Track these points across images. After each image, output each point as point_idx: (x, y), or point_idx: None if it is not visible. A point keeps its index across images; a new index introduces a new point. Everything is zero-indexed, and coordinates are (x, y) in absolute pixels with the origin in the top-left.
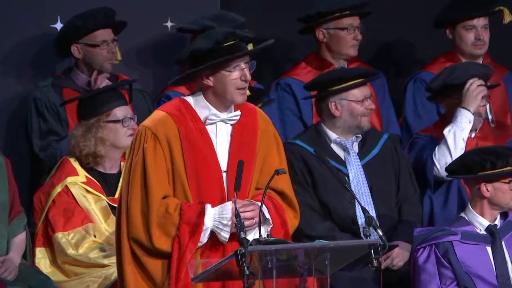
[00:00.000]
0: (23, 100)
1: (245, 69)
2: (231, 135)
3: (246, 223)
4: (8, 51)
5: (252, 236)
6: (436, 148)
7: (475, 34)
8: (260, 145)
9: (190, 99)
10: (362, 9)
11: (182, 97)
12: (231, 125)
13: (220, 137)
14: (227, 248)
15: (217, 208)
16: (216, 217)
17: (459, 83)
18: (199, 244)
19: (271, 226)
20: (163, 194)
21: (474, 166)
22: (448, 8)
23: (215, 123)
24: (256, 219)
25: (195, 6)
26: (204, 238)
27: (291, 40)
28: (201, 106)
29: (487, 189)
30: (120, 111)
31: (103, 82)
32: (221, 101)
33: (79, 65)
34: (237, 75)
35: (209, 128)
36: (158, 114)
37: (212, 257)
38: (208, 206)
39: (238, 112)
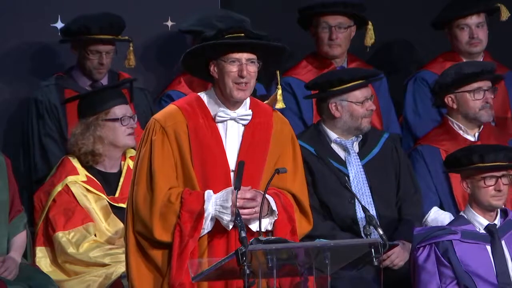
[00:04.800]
0: (24, 99)
1: (244, 65)
2: (243, 135)
3: (245, 212)
4: (8, 50)
5: (255, 226)
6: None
7: (469, 33)
8: (273, 147)
9: (204, 96)
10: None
11: (197, 93)
12: (244, 125)
13: (230, 136)
14: (231, 236)
15: (218, 194)
16: (217, 202)
17: (471, 72)
18: (203, 231)
19: (275, 218)
20: (168, 187)
21: (455, 162)
22: (443, 9)
23: (225, 121)
24: (257, 209)
25: (195, 6)
26: (206, 225)
27: (291, 40)
28: (212, 102)
29: (467, 186)
30: (119, 110)
31: None
32: (226, 96)
33: (80, 65)
34: (235, 69)
35: (220, 126)
36: (169, 108)
37: (217, 245)
38: (209, 192)
39: (250, 111)
